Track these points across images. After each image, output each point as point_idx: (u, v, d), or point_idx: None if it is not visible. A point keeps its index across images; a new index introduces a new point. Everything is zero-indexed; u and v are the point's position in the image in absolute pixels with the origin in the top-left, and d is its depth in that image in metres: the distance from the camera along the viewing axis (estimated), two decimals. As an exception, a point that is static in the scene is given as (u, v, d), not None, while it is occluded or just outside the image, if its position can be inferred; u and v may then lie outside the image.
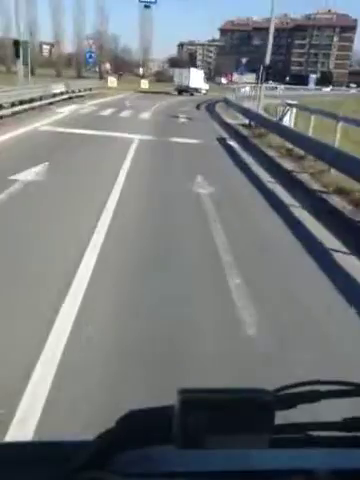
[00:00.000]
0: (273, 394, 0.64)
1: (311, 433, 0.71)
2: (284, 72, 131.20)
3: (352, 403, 0.82)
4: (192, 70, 49.84)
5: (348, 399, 0.71)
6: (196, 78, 49.11)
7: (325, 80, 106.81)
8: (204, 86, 51.61)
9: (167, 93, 46.64)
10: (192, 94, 46.98)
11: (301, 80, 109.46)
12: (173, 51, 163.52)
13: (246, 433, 0.60)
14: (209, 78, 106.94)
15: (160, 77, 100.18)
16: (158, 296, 3.83)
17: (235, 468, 0.64)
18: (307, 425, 0.71)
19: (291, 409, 0.66)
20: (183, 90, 47.06)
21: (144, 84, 52.81)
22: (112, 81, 49.13)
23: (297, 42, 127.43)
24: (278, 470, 0.64)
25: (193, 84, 48.27)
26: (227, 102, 29.57)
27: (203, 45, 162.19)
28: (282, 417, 0.64)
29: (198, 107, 31.39)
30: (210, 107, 32.11)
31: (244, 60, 33.57)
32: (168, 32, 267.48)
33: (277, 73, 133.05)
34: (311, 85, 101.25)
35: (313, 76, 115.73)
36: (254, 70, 29.53)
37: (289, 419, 0.69)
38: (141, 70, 72.42)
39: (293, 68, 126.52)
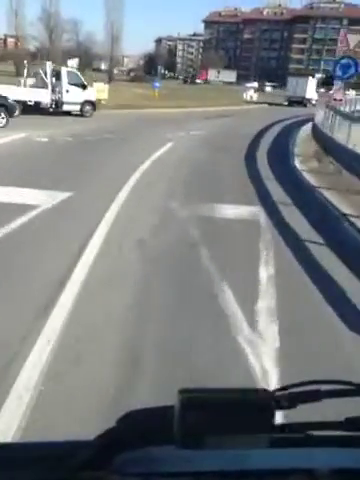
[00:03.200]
0: (273, 394, 0.65)
1: (311, 433, 0.71)
2: (278, 71, 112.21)
3: (352, 403, 0.84)
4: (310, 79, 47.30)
5: (348, 399, 0.72)
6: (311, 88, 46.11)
7: (330, 82, 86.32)
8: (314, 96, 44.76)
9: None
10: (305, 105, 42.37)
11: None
12: (149, 47, 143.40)
13: (246, 433, 0.61)
14: (190, 80, 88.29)
15: (137, 74, 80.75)
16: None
17: (235, 468, 0.65)
18: (307, 425, 0.72)
19: (291, 409, 0.67)
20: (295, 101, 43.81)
21: (101, 91, 23.55)
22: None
23: (296, 36, 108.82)
24: (278, 470, 0.65)
25: (309, 95, 44.82)
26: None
27: (184, 40, 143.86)
28: (282, 417, 0.65)
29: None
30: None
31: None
32: (144, 25, 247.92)
33: (271, 72, 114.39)
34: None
35: (318, 76, 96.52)
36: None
37: (289, 419, 0.70)
38: (103, 65, 50.73)
39: (291, 66, 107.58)
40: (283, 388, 0.69)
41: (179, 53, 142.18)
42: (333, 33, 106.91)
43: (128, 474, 0.63)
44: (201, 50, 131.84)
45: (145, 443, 0.65)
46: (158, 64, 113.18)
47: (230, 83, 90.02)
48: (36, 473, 0.65)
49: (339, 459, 0.68)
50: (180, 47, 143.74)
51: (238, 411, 0.61)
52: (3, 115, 13.94)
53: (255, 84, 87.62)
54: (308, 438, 0.70)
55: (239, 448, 0.63)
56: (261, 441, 0.62)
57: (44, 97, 18.12)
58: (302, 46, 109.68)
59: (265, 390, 0.65)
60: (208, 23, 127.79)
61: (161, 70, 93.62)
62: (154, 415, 0.67)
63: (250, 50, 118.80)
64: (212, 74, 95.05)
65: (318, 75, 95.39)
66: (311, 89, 45.32)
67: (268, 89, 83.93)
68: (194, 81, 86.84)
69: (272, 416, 0.62)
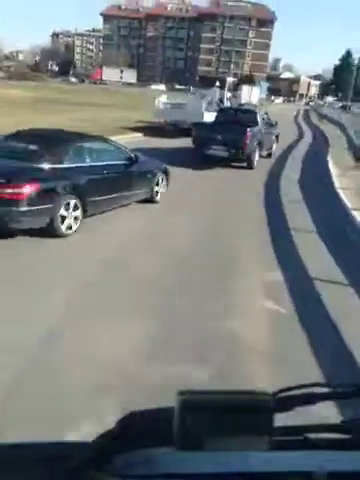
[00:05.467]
0: (272, 396, 0.65)
1: (310, 435, 0.71)
2: (186, 73, 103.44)
3: (351, 405, 0.80)
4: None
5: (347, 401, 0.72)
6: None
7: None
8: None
9: None
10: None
11: (210, 84, 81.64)
12: (44, 41, 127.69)
13: (245, 435, 0.61)
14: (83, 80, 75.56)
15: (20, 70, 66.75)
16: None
17: (234, 470, 0.65)
18: (306, 427, 0.72)
19: (290, 411, 0.67)
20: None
21: None
22: None
23: (205, 35, 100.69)
24: (277, 472, 0.66)
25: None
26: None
27: (82, 35, 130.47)
28: (281, 419, 0.65)
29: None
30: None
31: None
32: (38, 17, 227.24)
33: (179, 73, 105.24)
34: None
35: (230, 79, 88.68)
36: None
37: (288, 421, 0.71)
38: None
39: (201, 68, 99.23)
40: (282, 390, 0.69)
41: (77, 49, 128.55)
42: (242, 34, 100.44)
43: (127, 476, 0.63)
44: (101, 47, 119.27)
45: (144, 444, 0.65)
46: (55, 59, 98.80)
47: (129, 84, 78.34)
48: (36, 473, 0.65)
49: (338, 462, 0.68)
50: (78, 43, 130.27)
51: (237, 413, 0.61)
52: None
53: (162, 86, 76.99)
54: (307, 441, 0.71)
55: (238, 450, 0.63)
56: (260, 443, 0.62)
57: None
58: (211, 46, 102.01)
59: (265, 392, 0.64)
60: (107, 17, 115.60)
61: (52, 66, 79.66)
62: (154, 416, 0.67)
63: (155, 49, 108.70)
64: (111, 73, 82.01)
65: (230, 79, 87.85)
66: (255, 96, 43.09)
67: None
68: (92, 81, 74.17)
69: (271, 418, 0.62)
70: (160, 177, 7.66)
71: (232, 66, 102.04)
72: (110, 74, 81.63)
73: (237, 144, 10.98)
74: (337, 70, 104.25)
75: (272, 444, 0.63)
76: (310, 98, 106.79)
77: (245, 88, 41.16)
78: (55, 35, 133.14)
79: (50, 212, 5.35)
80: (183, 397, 0.61)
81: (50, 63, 71.67)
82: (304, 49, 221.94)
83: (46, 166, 5.54)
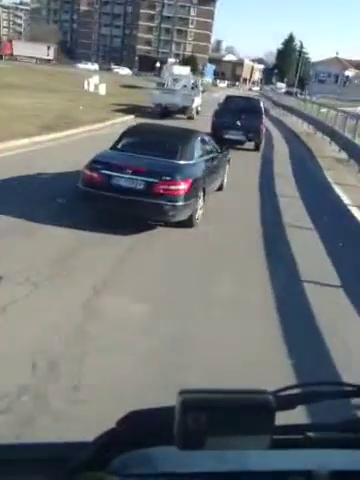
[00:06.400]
0: (273, 395, 0.64)
1: (311, 434, 0.71)
2: (123, 52, 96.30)
3: (351, 404, 0.81)
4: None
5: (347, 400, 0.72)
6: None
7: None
8: None
9: None
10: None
11: (150, 65, 75.96)
12: None
13: (246, 434, 0.60)
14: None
15: None
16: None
17: (235, 469, 0.65)
18: (307, 426, 0.74)
19: (291, 410, 0.67)
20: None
21: None
22: None
23: (143, 12, 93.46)
24: (278, 471, 0.66)
25: None
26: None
27: (8, 8, 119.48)
28: (282, 418, 0.64)
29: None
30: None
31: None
32: None
33: (116, 52, 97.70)
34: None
35: (171, 60, 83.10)
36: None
37: (289, 420, 0.70)
38: None
39: (140, 47, 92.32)
40: (283, 389, 0.68)
41: (4, 23, 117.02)
42: (183, 12, 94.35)
43: (127, 475, 0.63)
44: (31, 20, 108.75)
45: (145, 444, 0.64)
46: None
47: (48, 61, 67.86)
48: (37, 473, 0.65)
49: (338, 461, 0.68)
50: (5, 16, 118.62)
51: (238, 412, 0.60)
52: None
53: (94, 66, 68.76)
54: (307, 439, 0.70)
55: (239, 449, 0.62)
56: (261, 442, 0.61)
57: None
58: (150, 24, 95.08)
59: (265, 391, 0.63)
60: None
61: None
62: (154, 416, 0.66)
63: (89, 25, 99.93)
64: (23, 48, 69.40)
65: (171, 60, 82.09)
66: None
67: (121, 73, 67.80)
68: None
69: (272, 417, 0.61)
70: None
71: (173, 46, 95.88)
72: (22, 49, 69.43)
73: (254, 129, 13.50)
74: (280, 54, 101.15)
75: (273, 443, 0.61)
76: (254, 83, 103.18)
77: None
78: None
79: (194, 205, 5.81)
80: (183, 396, 0.60)
81: None
82: (246, 31, 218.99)
83: (182, 162, 5.97)
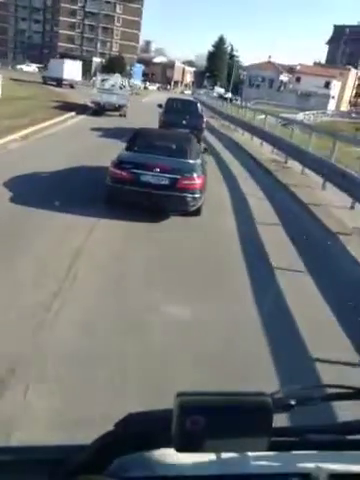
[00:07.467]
0: (271, 397, 0.63)
1: (309, 436, 0.71)
2: (44, 49, 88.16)
3: (350, 406, 0.80)
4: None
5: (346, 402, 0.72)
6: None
7: (112, 69, 64.13)
8: None
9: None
10: None
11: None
12: None
13: (244, 436, 0.60)
14: None
15: None
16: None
17: (233, 471, 0.65)
18: (305, 428, 0.72)
19: (289, 412, 0.66)
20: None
21: None
22: None
23: (64, 6, 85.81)
24: (276, 473, 0.66)
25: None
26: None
27: None
28: (280, 420, 0.64)
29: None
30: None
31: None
32: None
33: (36, 49, 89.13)
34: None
35: (97, 60, 76.46)
36: None
37: (286, 422, 0.69)
38: None
39: (62, 45, 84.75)
40: (281, 391, 0.68)
41: None
42: (108, 8, 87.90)
43: (126, 478, 0.63)
44: None
45: (143, 446, 0.64)
46: None
47: None
48: (35, 476, 0.65)
49: (336, 463, 0.68)
50: None
51: (236, 414, 0.60)
52: None
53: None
54: (306, 442, 0.70)
55: (237, 451, 0.62)
56: (259, 444, 0.61)
57: None
58: (72, 20, 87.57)
59: (263, 393, 0.63)
60: None
61: None
62: (152, 418, 0.65)
63: (4, 18, 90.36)
64: None
65: (96, 59, 75.37)
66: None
67: (29, 70, 60.80)
68: None
69: (270, 419, 0.60)
70: None
71: (99, 45, 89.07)
72: None
73: (197, 126, 15.68)
74: (211, 57, 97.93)
75: (271, 445, 0.61)
76: (186, 85, 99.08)
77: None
78: None
79: (202, 197, 6.89)
80: (181, 399, 0.59)
81: None
82: (176, 33, 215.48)
83: (192, 161, 7.21)
